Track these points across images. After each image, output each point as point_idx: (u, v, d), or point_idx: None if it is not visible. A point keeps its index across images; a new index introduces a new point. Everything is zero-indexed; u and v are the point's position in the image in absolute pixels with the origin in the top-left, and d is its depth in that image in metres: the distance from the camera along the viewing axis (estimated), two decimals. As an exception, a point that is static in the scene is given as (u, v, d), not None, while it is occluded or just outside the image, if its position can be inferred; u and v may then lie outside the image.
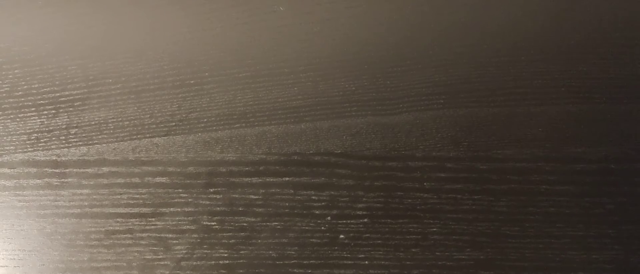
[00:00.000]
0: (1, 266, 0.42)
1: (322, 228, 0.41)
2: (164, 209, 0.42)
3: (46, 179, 0.42)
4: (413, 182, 0.42)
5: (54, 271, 0.42)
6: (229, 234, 0.42)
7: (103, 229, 0.42)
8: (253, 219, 0.42)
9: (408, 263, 0.41)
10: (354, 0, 0.44)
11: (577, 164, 0.42)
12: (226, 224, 0.42)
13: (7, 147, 0.43)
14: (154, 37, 0.43)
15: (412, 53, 0.43)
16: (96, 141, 0.42)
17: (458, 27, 0.43)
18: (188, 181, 0.42)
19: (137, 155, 0.42)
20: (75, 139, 0.43)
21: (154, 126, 0.43)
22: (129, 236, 0.42)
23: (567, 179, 0.42)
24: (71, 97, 0.43)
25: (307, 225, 0.41)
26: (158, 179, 0.42)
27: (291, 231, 0.41)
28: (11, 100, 0.43)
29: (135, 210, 0.42)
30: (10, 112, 0.43)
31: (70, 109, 0.43)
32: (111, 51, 0.43)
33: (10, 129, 0.43)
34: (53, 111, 0.43)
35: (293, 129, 0.42)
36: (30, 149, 0.43)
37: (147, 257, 0.41)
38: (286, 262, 0.41)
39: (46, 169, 0.42)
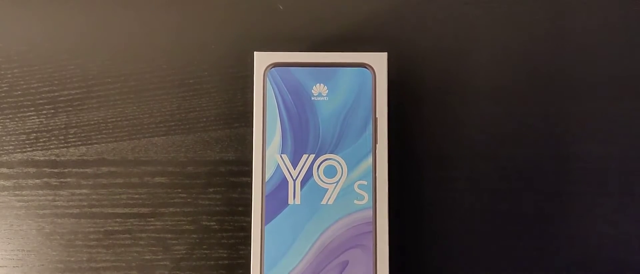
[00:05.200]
0: (0, 266, 0.42)
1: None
2: (163, 209, 0.42)
3: (45, 179, 0.42)
4: (413, 182, 0.42)
5: (53, 271, 0.41)
6: (228, 234, 0.42)
7: (102, 229, 0.42)
8: (252, 219, 0.41)
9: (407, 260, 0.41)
10: (354, 0, 0.44)
11: (576, 163, 0.42)
12: (226, 224, 0.42)
13: (6, 147, 0.42)
14: (153, 36, 0.43)
15: (412, 52, 0.43)
16: (95, 141, 0.42)
17: (461, 25, 0.43)
18: (187, 181, 0.42)
19: (136, 155, 0.42)
20: (74, 139, 0.42)
21: (153, 125, 0.42)
22: (128, 236, 0.42)
23: (567, 179, 0.42)
24: (70, 97, 0.43)
25: (307, 225, 0.41)
26: (157, 179, 0.42)
27: (291, 231, 0.41)
28: (10, 100, 0.43)
29: (134, 210, 0.42)
30: (8, 112, 0.43)
31: (69, 108, 0.43)
32: (110, 51, 0.43)
33: (9, 129, 0.43)
34: (52, 111, 0.43)
35: (293, 128, 0.42)
36: (29, 149, 0.42)
37: (146, 257, 0.41)
38: (286, 262, 0.41)
39: (45, 169, 0.42)
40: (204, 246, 0.41)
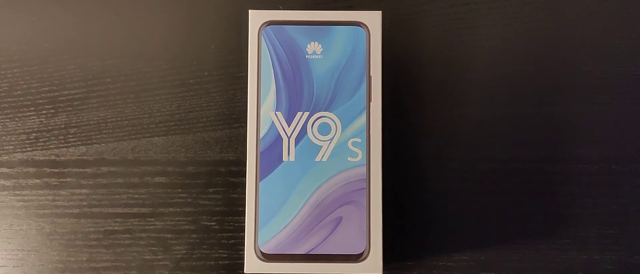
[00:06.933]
0: (0, 266, 0.42)
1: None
2: (163, 209, 0.42)
3: (45, 179, 0.42)
4: (413, 182, 0.42)
5: (53, 271, 0.41)
6: (228, 234, 0.42)
7: (102, 229, 0.42)
8: (252, 219, 0.41)
9: (408, 263, 0.41)
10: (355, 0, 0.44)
11: (577, 164, 0.42)
12: (226, 224, 0.42)
13: (6, 147, 0.42)
14: (153, 36, 0.43)
15: (413, 51, 0.43)
16: (95, 141, 0.42)
17: (466, 31, 0.43)
18: (187, 181, 0.42)
19: (136, 155, 0.42)
20: (74, 139, 0.42)
21: (153, 125, 0.42)
22: (128, 236, 0.42)
23: (568, 179, 0.42)
24: (70, 97, 0.43)
25: (307, 225, 0.41)
26: (157, 179, 0.42)
27: (291, 231, 0.41)
28: (10, 99, 0.43)
29: (134, 210, 0.42)
30: (9, 111, 0.43)
31: (69, 108, 0.43)
32: (110, 51, 0.43)
33: (9, 129, 0.43)
34: (52, 111, 0.43)
35: (293, 128, 0.42)
36: (29, 149, 0.42)
37: (146, 257, 0.41)
38: (286, 262, 0.41)
39: (45, 168, 0.42)
40: (204, 246, 0.41)
